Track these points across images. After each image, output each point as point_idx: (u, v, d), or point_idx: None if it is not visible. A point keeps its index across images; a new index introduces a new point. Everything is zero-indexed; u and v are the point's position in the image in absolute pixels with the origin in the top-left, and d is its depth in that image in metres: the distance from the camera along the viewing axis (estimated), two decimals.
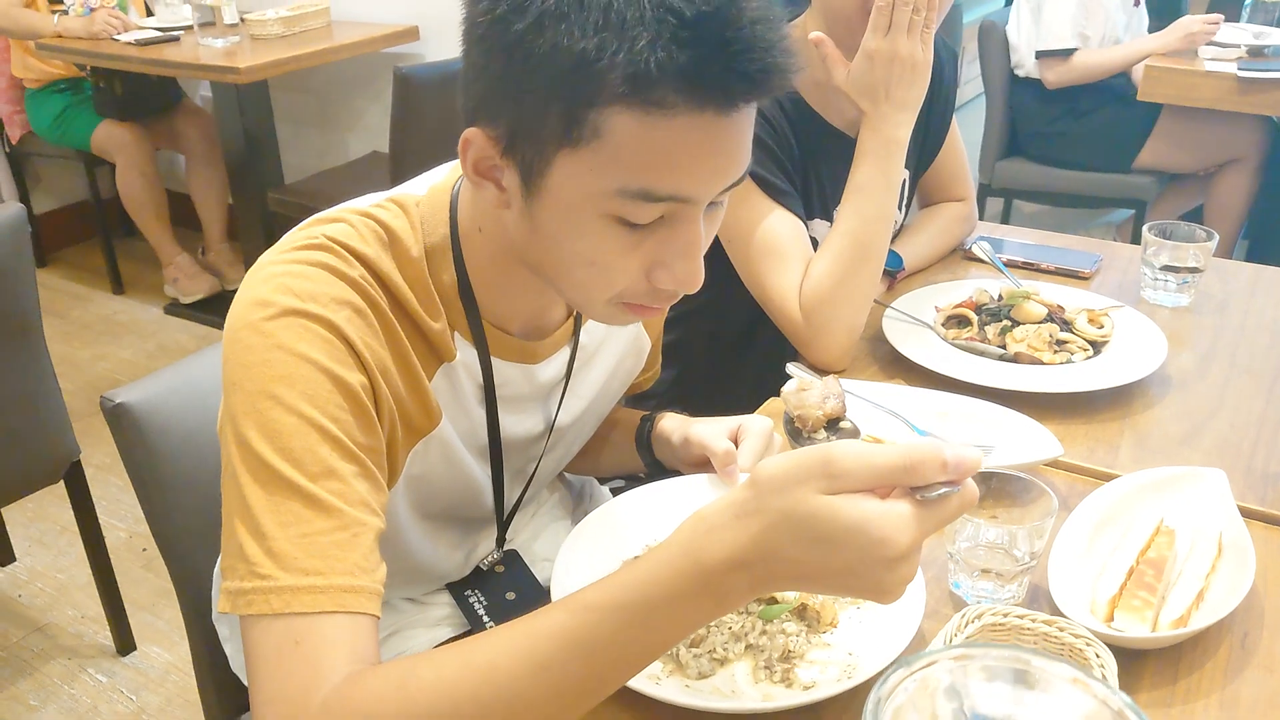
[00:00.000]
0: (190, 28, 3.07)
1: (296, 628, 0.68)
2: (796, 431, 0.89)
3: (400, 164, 2.65)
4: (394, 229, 0.83)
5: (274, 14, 3.08)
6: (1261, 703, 0.77)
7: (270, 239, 3.22)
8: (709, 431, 1.00)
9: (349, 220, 0.82)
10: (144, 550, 2.34)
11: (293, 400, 0.73)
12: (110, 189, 3.43)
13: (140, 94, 3.28)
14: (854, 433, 0.88)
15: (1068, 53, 2.93)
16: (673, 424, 1.07)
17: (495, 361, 0.90)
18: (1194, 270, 1.38)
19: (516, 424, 0.97)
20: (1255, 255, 3.19)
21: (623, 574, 0.63)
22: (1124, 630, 0.81)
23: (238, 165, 3.19)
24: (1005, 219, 3.37)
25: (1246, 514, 0.97)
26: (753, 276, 1.26)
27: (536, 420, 0.99)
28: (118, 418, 1.04)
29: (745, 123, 0.73)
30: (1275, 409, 1.15)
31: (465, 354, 0.88)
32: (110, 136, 3.29)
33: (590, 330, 1.00)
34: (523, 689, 0.62)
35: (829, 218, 1.39)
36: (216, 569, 1.01)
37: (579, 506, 1.23)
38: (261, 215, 3.07)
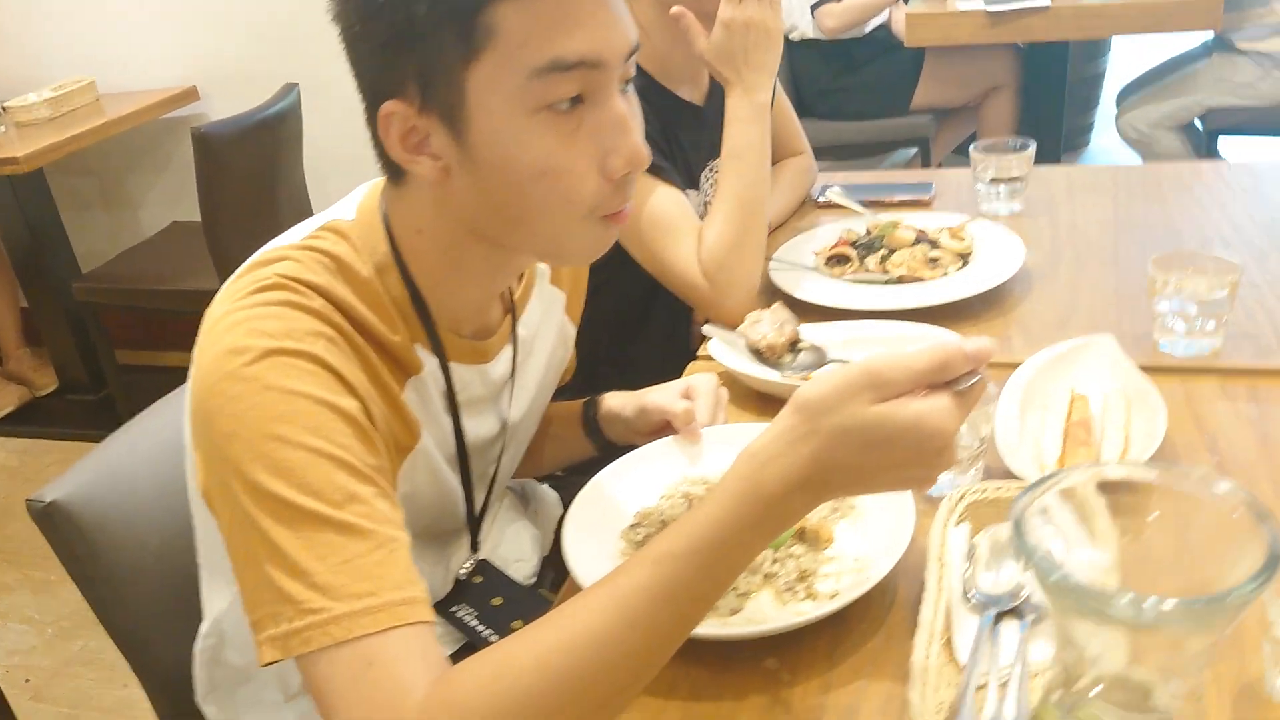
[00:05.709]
0: None
1: (365, 650, 0.68)
2: (766, 360, 0.96)
3: (216, 229, 2.52)
4: (338, 254, 0.83)
5: (36, 97, 2.90)
6: None
7: (80, 334, 3.04)
8: (664, 397, 1.05)
9: (292, 256, 0.82)
10: (27, 681, 2.16)
11: (297, 435, 0.73)
12: None
13: None
14: (816, 349, 0.96)
15: None
16: (620, 400, 1.11)
17: (453, 366, 0.92)
18: (1018, 179, 1.53)
19: (477, 427, 0.98)
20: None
21: (692, 519, 0.66)
22: None
23: (27, 263, 2.97)
24: None
25: None
26: (649, 254, 1.31)
27: (493, 421, 1.01)
28: (49, 517, 1.00)
29: None
30: (1124, 282, 1.29)
31: (428, 363, 0.89)
32: None
33: (525, 323, 1.03)
34: (618, 649, 0.65)
35: (695, 186, 1.45)
36: (197, 647, 0.97)
37: (529, 507, 1.25)
38: (66, 310, 2.87)
